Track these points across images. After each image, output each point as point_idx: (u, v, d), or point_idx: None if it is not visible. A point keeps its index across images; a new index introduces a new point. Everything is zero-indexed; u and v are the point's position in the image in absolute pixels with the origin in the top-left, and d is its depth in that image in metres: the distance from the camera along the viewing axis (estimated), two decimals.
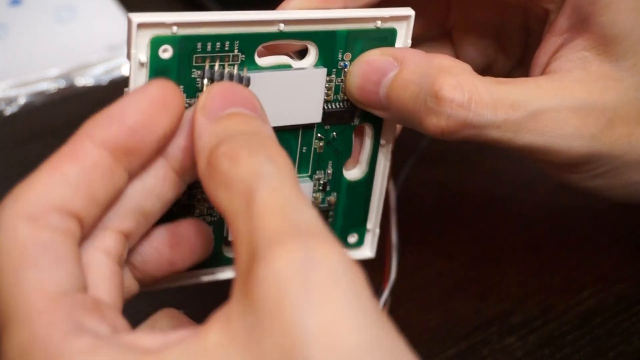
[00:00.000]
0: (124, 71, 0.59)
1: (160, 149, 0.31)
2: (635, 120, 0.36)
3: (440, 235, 0.50)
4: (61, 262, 0.27)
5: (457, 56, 0.43)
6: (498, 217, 0.51)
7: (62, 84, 0.58)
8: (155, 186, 0.32)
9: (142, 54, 0.32)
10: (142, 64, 0.32)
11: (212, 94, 0.31)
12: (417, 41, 0.37)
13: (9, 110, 0.56)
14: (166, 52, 0.32)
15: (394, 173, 0.50)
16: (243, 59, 0.34)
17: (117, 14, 0.63)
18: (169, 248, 0.33)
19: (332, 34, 0.35)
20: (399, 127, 0.41)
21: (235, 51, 0.34)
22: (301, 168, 0.37)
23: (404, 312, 0.45)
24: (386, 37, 0.36)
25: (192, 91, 0.34)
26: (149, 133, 0.30)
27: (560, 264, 0.49)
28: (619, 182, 0.38)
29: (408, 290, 0.47)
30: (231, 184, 0.27)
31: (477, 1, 0.41)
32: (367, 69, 0.36)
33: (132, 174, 0.31)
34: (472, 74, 0.35)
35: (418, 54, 0.36)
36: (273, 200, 0.26)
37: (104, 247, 0.31)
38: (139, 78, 0.32)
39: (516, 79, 0.36)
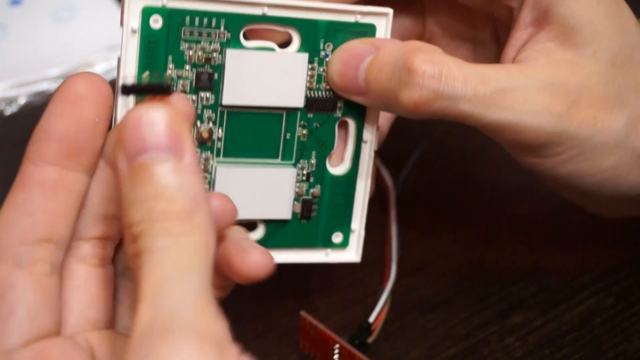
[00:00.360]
0: None
1: (102, 137, 0.32)
2: (599, 104, 0.38)
3: (440, 235, 0.50)
4: (15, 313, 0.29)
5: None
6: (498, 217, 0.51)
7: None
8: (112, 192, 0.32)
9: (134, 22, 0.34)
10: (134, 31, 0.35)
11: (126, 130, 0.30)
12: None
13: (9, 110, 0.56)
14: (157, 23, 0.35)
15: (394, 173, 0.51)
16: (229, 37, 0.36)
17: (117, 13, 0.63)
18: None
19: (313, 22, 0.37)
20: (383, 129, 0.42)
21: (222, 29, 0.36)
22: (285, 155, 0.39)
23: (404, 312, 0.45)
24: (366, 32, 0.38)
25: (180, 63, 0.36)
26: (79, 132, 0.31)
27: (560, 264, 0.49)
28: (589, 167, 0.38)
29: (408, 290, 0.47)
30: (132, 259, 0.28)
31: (450, 16, 0.43)
32: (346, 56, 0.37)
33: (90, 170, 0.32)
34: (443, 53, 0.36)
35: (395, 41, 0.37)
36: (148, 285, 0.27)
37: (80, 256, 0.32)
38: (130, 45, 0.35)
39: (485, 64, 0.38)
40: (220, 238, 0.34)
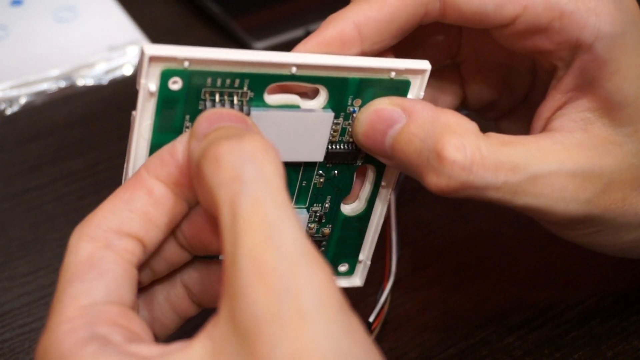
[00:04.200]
0: (125, 71, 0.59)
1: None
2: (630, 186, 0.37)
3: (440, 235, 0.50)
4: (103, 277, 0.31)
5: (464, 89, 0.43)
6: (498, 217, 0.51)
7: (62, 84, 0.58)
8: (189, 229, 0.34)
9: (152, 84, 0.32)
10: (151, 94, 0.32)
11: (199, 119, 0.32)
12: None
13: (10, 110, 0.57)
14: (176, 84, 0.33)
15: None
16: (252, 96, 0.34)
17: (118, 14, 0.63)
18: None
19: (343, 80, 0.35)
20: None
21: (245, 89, 0.34)
22: (299, 200, 0.38)
23: (404, 312, 0.46)
24: (398, 88, 0.36)
25: None
26: None
27: (559, 264, 0.49)
28: (611, 240, 0.39)
29: (408, 290, 0.47)
30: (215, 190, 0.29)
31: (487, 43, 0.41)
32: (374, 118, 0.36)
33: (191, 203, 0.33)
34: (476, 135, 0.35)
35: (426, 107, 0.35)
36: (255, 217, 0.28)
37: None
38: (146, 107, 0.33)
39: (519, 138, 0.36)
40: None
